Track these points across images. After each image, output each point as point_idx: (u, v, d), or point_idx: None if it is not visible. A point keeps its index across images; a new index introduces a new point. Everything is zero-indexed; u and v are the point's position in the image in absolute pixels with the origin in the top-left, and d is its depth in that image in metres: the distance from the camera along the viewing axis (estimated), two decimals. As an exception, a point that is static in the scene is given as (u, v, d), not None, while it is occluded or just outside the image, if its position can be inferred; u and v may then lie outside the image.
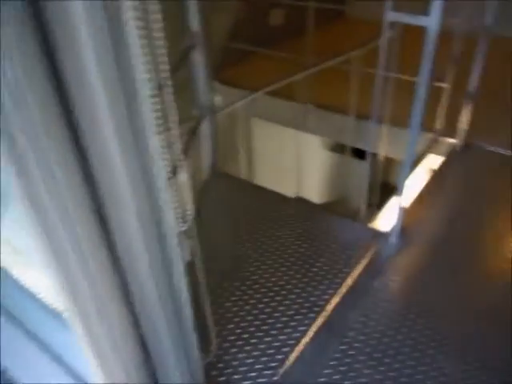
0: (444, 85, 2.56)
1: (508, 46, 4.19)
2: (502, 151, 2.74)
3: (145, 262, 0.92)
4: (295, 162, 3.21)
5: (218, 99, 2.64)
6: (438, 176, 2.56)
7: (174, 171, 0.94)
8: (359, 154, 3.77)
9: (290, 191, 3.47)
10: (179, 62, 1.94)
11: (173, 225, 0.95)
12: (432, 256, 2.00)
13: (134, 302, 0.97)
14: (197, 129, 2.24)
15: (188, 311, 1.15)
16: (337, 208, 3.86)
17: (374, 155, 2.62)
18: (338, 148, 4.64)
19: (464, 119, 2.68)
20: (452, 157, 2.69)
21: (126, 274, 0.92)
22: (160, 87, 0.81)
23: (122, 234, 0.86)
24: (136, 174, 0.81)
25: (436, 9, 1.47)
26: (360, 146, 3.18)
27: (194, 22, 2.01)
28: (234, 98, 2.73)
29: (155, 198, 0.87)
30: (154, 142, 0.81)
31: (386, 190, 2.96)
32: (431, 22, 1.51)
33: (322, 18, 3.20)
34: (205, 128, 2.34)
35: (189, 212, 1.04)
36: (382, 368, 1.52)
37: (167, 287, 1.03)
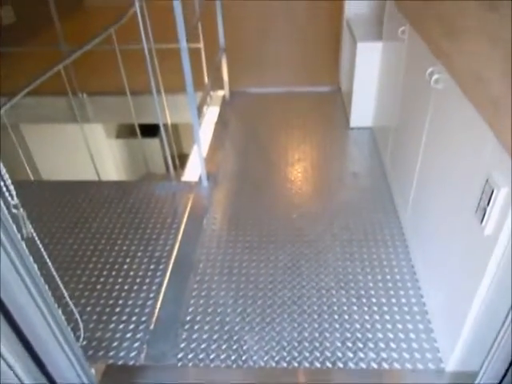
0: (199, 45, 2.88)
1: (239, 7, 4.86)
2: (258, 91, 3.29)
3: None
4: (86, 157, 3.15)
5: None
6: (219, 123, 2.93)
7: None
8: (147, 132, 3.90)
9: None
10: None
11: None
12: (238, 185, 2.35)
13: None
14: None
15: (46, 293, 1.13)
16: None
17: (164, 128, 2.79)
18: (123, 133, 4.67)
19: (224, 72, 3.09)
20: (225, 104, 3.10)
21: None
22: None
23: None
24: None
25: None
26: (147, 120, 3.30)
27: None
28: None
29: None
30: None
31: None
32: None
33: (61, 9, 3.11)
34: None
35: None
36: (234, 278, 1.78)
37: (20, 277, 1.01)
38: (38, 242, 1.13)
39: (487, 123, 1.10)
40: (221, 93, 3.20)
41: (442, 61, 1.41)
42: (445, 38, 1.38)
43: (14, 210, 1.04)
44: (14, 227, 0.98)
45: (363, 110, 2.67)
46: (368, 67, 2.48)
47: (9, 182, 1.02)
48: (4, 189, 0.99)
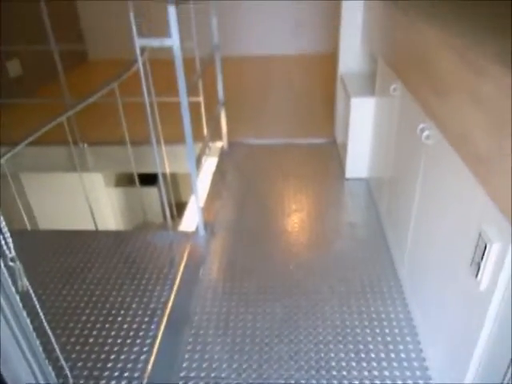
0: (199, 99, 2.99)
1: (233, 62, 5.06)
2: (256, 142, 3.37)
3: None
4: (85, 206, 3.17)
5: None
6: (217, 173, 2.98)
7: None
8: (146, 180, 3.94)
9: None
10: None
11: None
12: (235, 235, 2.35)
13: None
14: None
15: (37, 348, 1.11)
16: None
17: (163, 177, 2.83)
18: (122, 181, 4.71)
19: (223, 124, 3.18)
20: (223, 155, 3.17)
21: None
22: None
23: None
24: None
25: (174, 31, 1.80)
26: (146, 170, 3.35)
27: None
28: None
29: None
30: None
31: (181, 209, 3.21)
32: (174, 42, 1.83)
33: (66, 63, 3.24)
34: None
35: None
36: (230, 331, 1.75)
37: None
38: (33, 295, 1.12)
39: (477, 179, 1.14)
40: (219, 144, 3.27)
41: (432, 118, 1.47)
42: (434, 96, 1.44)
43: (10, 263, 1.04)
44: (10, 281, 0.98)
45: (358, 162, 2.73)
46: (362, 121, 2.57)
47: (7, 234, 1.03)
48: (2, 242, 0.99)
